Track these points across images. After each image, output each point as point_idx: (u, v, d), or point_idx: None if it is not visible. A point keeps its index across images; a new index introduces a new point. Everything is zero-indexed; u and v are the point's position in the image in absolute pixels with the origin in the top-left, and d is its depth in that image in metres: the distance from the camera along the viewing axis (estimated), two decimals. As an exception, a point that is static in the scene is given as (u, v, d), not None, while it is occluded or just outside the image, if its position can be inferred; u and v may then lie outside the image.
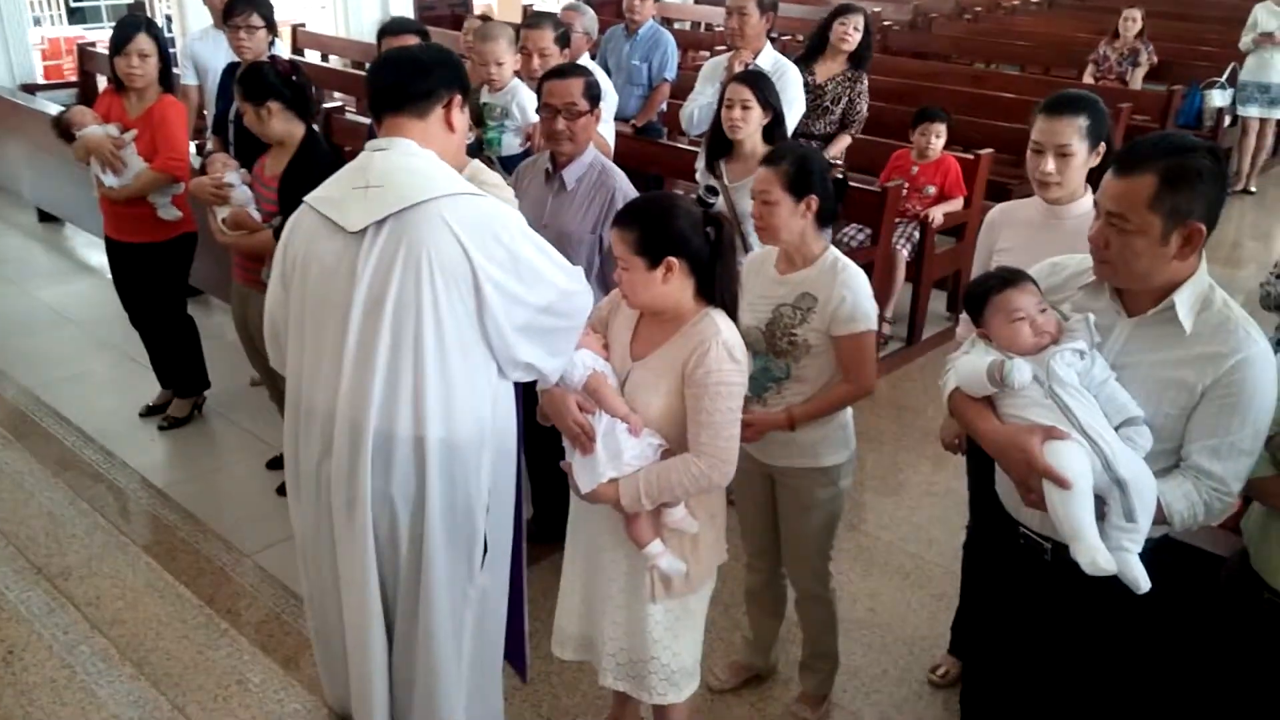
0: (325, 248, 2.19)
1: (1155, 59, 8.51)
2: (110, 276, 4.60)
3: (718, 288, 2.32)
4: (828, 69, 5.27)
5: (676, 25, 10.98)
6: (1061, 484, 1.93)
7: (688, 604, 2.47)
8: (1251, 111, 8.29)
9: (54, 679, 2.73)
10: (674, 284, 2.27)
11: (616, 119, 4.75)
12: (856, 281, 2.66)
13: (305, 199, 2.30)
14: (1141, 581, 1.94)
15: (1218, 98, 8.29)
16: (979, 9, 11.83)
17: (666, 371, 2.30)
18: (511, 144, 4.34)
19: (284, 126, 3.61)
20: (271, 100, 3.55)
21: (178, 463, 4.38)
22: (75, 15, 8.88)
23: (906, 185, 5.46)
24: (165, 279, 4.44)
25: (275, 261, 2.33)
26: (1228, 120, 8.42)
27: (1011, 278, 2.17)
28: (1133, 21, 8.43)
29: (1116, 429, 2.00)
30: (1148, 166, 1.92)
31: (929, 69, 8.85)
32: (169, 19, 9.19)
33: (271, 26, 4.61)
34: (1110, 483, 1.94)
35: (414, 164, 2.21)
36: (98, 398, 4.87)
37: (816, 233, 2.71)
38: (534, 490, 3.85)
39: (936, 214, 5.43)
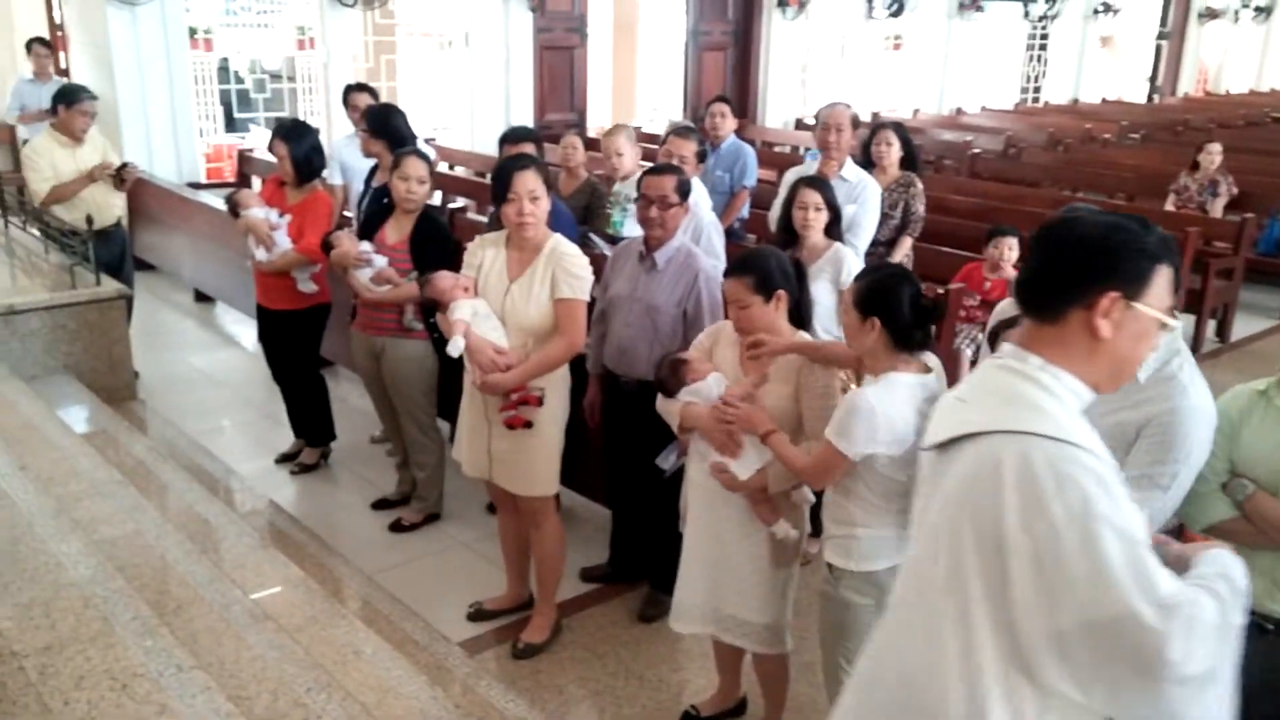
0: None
1: (1235, 190, 8.77)
2: (254, 345, 5.21)
3: (804, 314, 3.16)
4: (883, 180, 5.61)
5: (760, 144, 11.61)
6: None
7: (792, 570, 3.13)
8: (1329, 239, 8.45)
9: (213, 627, 3.05)
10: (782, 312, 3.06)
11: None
12: None
13: None
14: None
15: (1295, 226, 8.51)
16: (1070, 140, 12.21)
17: (779, 380, 3.04)
18: (633, 228, 4.63)
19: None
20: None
21: (306, 499, 4.97)
22: (231, 125, 10.10)
23: (979, 296, 5.87)
24: (302, 341, 5.08)
25: None
26: (1308, 248, 8.58)
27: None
28: (1213, 155, 8.75)
29: None
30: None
31: (1012, 192, 9.06)
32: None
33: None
34: None
35: (1012, 384, 1.68)
36: (240, 445, 5.56)
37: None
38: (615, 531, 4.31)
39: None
